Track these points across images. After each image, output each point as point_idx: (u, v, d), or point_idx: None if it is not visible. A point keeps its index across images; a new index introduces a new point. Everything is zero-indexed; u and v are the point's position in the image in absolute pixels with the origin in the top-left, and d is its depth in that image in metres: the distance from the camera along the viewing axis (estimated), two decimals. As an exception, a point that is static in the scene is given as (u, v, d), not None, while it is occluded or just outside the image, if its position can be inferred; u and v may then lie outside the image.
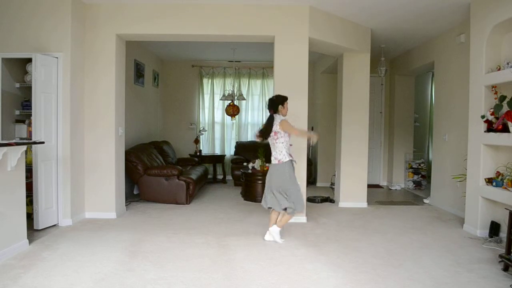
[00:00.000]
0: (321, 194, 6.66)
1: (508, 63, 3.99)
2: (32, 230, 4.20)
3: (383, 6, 4.89)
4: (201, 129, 8.65)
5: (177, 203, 5.92)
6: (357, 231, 4.57)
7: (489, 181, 4.24)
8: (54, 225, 4.52)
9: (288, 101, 4.11)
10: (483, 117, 4.27)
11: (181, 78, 8.90)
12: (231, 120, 8.71)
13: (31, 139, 4.34)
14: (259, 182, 6.26)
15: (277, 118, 4.01)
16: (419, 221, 5.06)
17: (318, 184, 8.11)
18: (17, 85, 4.73)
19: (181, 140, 8.82)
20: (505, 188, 3.98)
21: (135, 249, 3.76)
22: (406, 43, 6.69)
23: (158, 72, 8.46)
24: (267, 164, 6.33)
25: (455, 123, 5.54)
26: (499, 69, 4.14)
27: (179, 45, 7.14)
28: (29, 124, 4.58)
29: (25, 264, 3.26)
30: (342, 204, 5.97)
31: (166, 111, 8.90)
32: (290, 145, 4.10)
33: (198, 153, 8.36)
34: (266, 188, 4.12)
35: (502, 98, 4.01)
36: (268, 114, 4.11)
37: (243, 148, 8.54)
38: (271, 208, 4.09)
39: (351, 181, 5.97)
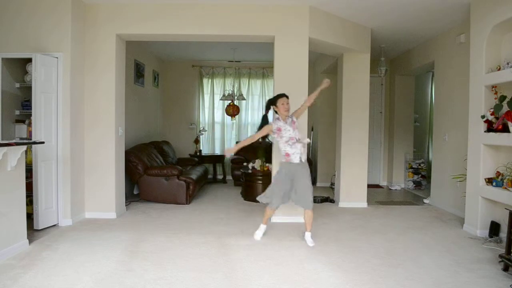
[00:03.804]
0: (321, 194, 6.66)
1: (508, 63, 3.99)
2: (32, 230, 4.20)
3: (383, 6, 4.89)
4: (201, 129, 8.65)
5: (177, 203, 5.92)
6: (357, 231, 4.57)
7: (489, 181, 4.24)
8: (54, 225, 4.52)
9: (281, 98, 4.06)
10: (483, 117, 4.27)
11: (181, 78, 8.90)
12: (231, 120, 8.71)
13: (31, 139, 4.34)
14: (259, 182, 6.26)
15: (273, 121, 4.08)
16: (419, 221, 5.06)
17: (318, 184, 8.12)
18: (17, 85, 4.72)
19: (181, 140, 8.83)
20: (505, 188, 3.98)
21: (135, 249, 3.76)
22: (406, 43, 6.69)
23: (158, 72, 8.46)
24: (267, 164, 6.35)
25: (455, 123, 5.54)
26: (499, 69, 4.13)
27: (179, 45, 7.14)
28: (29, 124, 4.58)
29: (25, 264, 3.26)
30: (342, 204, 5.97)
31: (166, 111, 8.90)
32: (297, 141, 4.03)
33: (198, 153, 8.36)
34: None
35: (502, 98, 4.01)
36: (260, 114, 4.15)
37: (243, 148, 8.40)
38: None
39: (351, 181, 5.97)
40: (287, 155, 4.01)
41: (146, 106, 7.67)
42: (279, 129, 3.99)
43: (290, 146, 3.99)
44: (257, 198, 4.32)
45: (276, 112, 4.09)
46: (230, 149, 4.21)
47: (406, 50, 7.27)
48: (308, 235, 4.06)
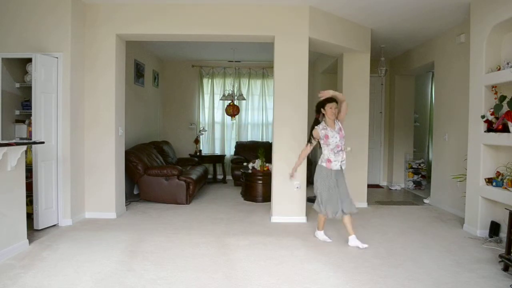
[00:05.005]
0: (321, 194, 6.65)
1: (508, 63, 3.99)
2: (32, 230, 4.20)
3: (383, 6, 4.89)
4: (201, 129, 8.65)
5: (177, 203, 5.92)
6: (357, 231, 4.56)
7: (489, 181, 4.24)
8: (54, 225, 4.52)
9: (330, 102, 4.04)
10: (483, 117, 4.27)
11: (181, 78, 8.90)
12: (231, 120, 8.71)
13: (31, 139, 4.34)
14: (259, 182, 6.26)
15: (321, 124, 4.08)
16: (419, 221, 5.05)
17: (318, 184, 8.10)
18: (17, 85, 4.72)
19: (181, 140, 8.83)
20: (505, 188, 3.98)
21: (135, 249, 3.76)
22: (406, 43, 6.69)
23: (158, 72, 8.46)
24: (267, 164, 6.34)
25: (455, 123, 5.54)
26: (499, 69, 4.13)
27: (179, 45, 7.14)
28: (29, 124, 4.58)
29: (25, 264, 3.26)
30: (342, 204, 5.96)
31: (166, 111, 8.90)
32: (342, 150, 4.06)
33: (198, 153, 8.36)
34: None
35: (502, 98, 4.01)
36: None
37: (243, 148, 8.54)
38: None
39: (351, 181, 5.93)
40: (329, 161, 4.02)
41: (146, 106, 7.67)
42: (326, 136, 4.02)
43: (334, 154, 4.02)
44: (314, 207, 4.23)
45: (323, 115, 4.10)
46: (293, 173, 4.34)
47: (406, 50, 7.27)
48: (354, 237, 3.98)
